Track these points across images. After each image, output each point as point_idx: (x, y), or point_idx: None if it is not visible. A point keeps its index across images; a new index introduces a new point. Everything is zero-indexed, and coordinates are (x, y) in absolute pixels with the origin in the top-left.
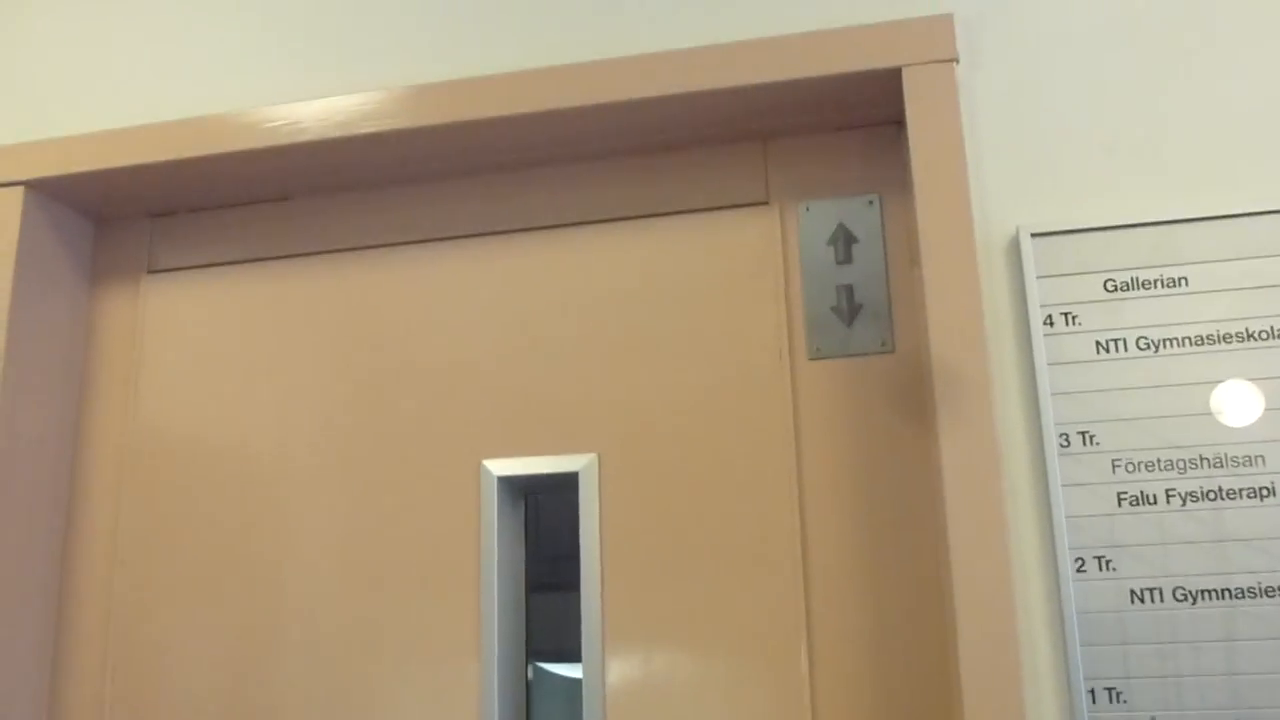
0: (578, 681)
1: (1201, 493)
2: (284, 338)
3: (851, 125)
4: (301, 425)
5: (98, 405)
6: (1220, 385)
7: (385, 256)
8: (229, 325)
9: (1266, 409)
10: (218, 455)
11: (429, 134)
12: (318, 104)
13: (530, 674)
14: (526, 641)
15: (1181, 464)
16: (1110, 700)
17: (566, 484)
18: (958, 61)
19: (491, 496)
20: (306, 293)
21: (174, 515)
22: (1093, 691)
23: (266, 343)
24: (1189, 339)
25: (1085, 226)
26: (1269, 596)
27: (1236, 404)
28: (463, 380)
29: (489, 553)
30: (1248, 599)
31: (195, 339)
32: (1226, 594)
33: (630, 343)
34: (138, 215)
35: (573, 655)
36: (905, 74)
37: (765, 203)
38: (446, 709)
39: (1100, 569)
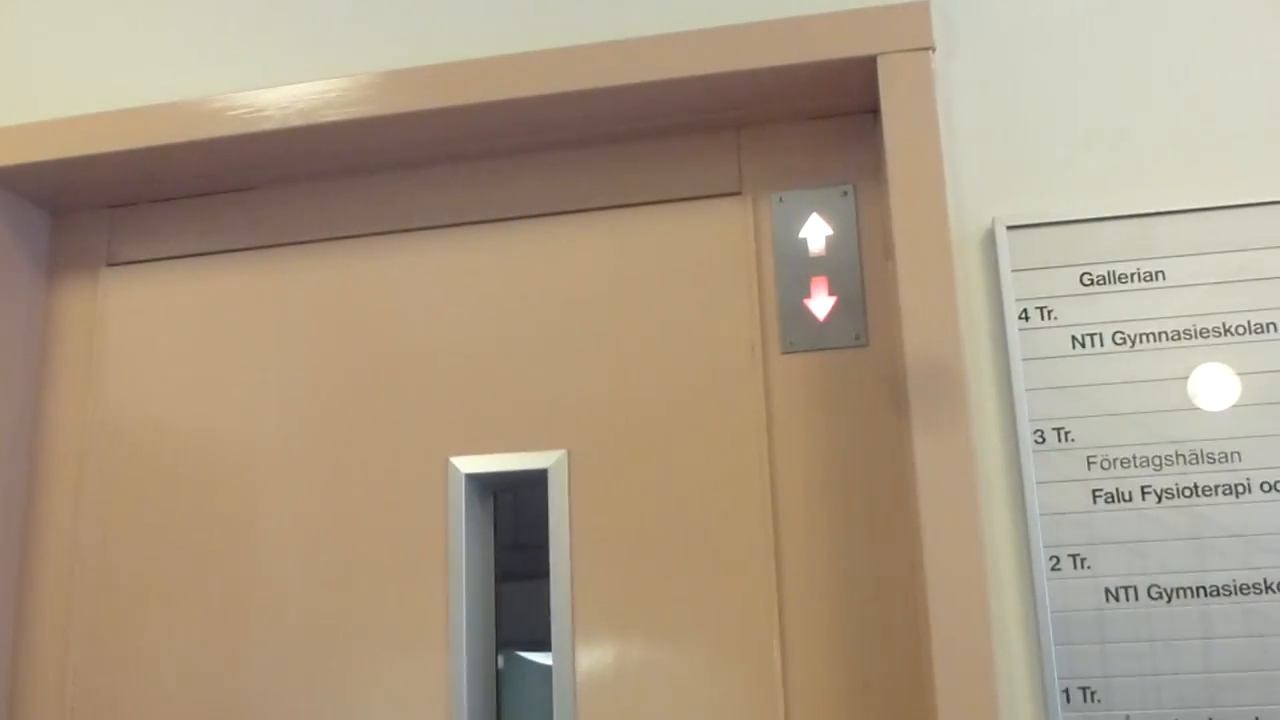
0: (549, 668)
1: (1177, 489)
2: (248, 332)
3: (825, 114)
4: (266, 422)
5: (56, 403)
6: (1196, 380)
7: (349, 248)
8: (191, 320)
9: (1243, 404)
10: (180, 453)
11: (393, 122)
12: (281, 91)
13: (502, 661)
14: (496, 635)
15: (1157, 460)
16: (1085, 700)
17: (535, 481)
18: (934, 50)
19: (459, 495)
20: (270, 286)
21: (135, 513)
22: (1067, 691)
23: (230, 338)
24: (1165, 333)
25: (1061, 219)
26: (1244, 594)
27: (1213, 399)
28: (430, 374)
29: (456, 551)
30: (1223, 596)
31: (156, 334)
32: (1202, 591)
33: (600, 336)
34: (96, 206)
35: (546, 643)
36: (880, 62)
37: (738, 193)
38: (416, 701)
39: (1075, 567)
